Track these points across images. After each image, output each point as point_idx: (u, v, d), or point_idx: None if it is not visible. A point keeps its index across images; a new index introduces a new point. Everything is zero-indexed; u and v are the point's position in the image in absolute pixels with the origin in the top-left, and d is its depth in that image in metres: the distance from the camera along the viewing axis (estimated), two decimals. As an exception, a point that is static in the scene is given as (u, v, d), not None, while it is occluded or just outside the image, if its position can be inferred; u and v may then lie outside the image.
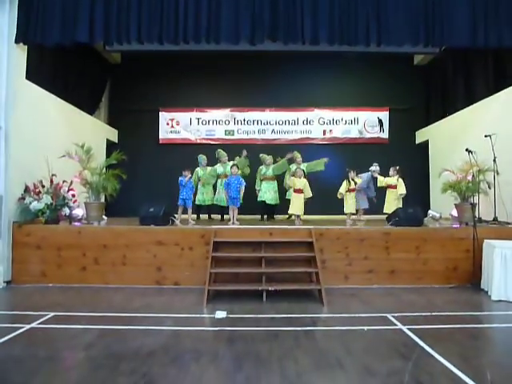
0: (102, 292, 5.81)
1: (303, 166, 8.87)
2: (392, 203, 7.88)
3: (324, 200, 9.13)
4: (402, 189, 7.91)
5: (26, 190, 6.60)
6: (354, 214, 8.27)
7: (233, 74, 11.11)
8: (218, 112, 11.51)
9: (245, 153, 8.96)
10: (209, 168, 9.22)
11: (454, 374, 3.13)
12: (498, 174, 7.09)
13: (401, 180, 7.98)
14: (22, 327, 4.20)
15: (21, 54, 6.80)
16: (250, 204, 8.90)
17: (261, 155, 9.20)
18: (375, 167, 8.34)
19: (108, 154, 9.38)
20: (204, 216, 9.37)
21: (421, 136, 11.38)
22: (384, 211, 8.03)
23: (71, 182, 7.14)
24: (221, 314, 4.67)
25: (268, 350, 3.62)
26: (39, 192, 6.64)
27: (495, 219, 7.02)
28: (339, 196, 8.10)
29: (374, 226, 6.82)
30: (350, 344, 3.80)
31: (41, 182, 6.75)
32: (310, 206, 8.26)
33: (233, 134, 11.50)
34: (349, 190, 8.08)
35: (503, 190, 7.04)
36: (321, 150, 10.80)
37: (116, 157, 7.59)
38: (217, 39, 6.55)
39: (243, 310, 4.94)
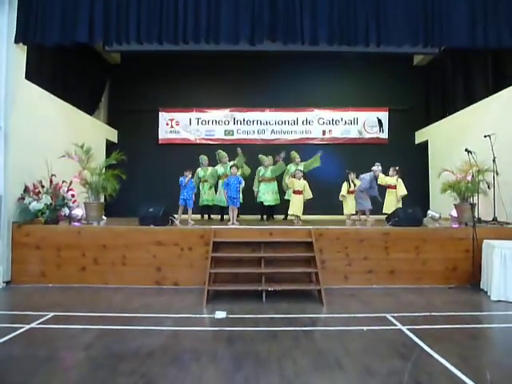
0: (102, 292, 5.81)
1: (301, 165, 8.87)
2: (391, 203, 7.88)
3: (324, 200, 9.14)
4: (402, 190, 7.89)
5: (26, 190, 6.60)
6: (353, 215, 8.28)
7: (232, 74, 11.11)
8: (218, 112, 11.51)
9: (239, 151, 8.97)
10: (210, 168, 9.23)
11: (453, 374, 3.13)
12: (497, 174, 7.10)
13: (400, 180, 7.98)
14: (22, 327, 4.20)
15: (20, 54, 6.80)
16: (250, 204, 8.92)
17: (260, 156, 9.19)
18: (377, 167, 8.33)
19: (107, 154, 9.39)
20: (198, 216, 9.36)
21: (420, 136, 11.38)
22: (383, 211, 8.03)
23: (71, 182, 7.14)
24: (220, 314, 4.67)
25: (267, 350, 3.62)
26: (39, 192, 6.64)
27: (494, 219, 7.02)
28: (341, 199, 8.11)
29: (373, 226, 6.82)
30: (349, 344, 3.80)
31: (40, 182, 6.74)
32: (309, 207, 8.27)
33: (232, 134, 11.50)
34: (349, 192, 8.09)
35: (503, 190, 7.05)
36: (320, 150, 10.80)
37: (115, 157, 7.59)
38: (216, 39, 6.55)
39: (243, 310, 4.94)
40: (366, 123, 11.47)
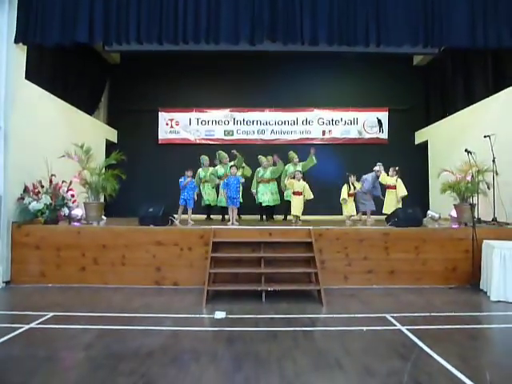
0: (102, 292, 5.81)
1: (299, 166, 8.87)
2: (391, 204, 7.87)
3: (323, 201, 9.14)
4: (402, 190, 7.87)
5: (26, 190, 6.60)
6: (353, 216, 8.27)
7: (232, 74, 11.11)
8: (218, 112, 11.51)
9: (235, 152, 8.97)
10: (211, 169, 9.23)
11: (452, 375, 3.13)
12: (497, 174, 7.10)
13: (400, 180, 7.97)
14: (21, 327, 4.20)
15: (20, 54, 6.79)
16: (250, 204, 8.92)
17: (259, 157, 9.19)
18: (379, 167, 8.32)
19: (107, 154, 9.40)
20: (203, 216, 9.36)
21: (420, 136, 11.38)
22: (383, 211, 8.02)
23: (70, 182, 7.14)
24: (220, 315, 4.67)
25: (267, 351, 3.62)
26: (38, 192, 6.64)
27: (494, 220, 7.02)
28: (342, 202, 8.11)
29: (373, 227, 6.82)
30: (349, 344, 3.80)
31: (40, 182, 6.74)
32: (309, 207, 8.27)
33: (232, 135, 11.50)
34: (349, 195, 8.09)
35: (502, 190, 7.05)
36: (320, 150, 10.80)
37: (115, 157, 7.59)
38: (216, 39, 6.55)
39: (242, 310, 4.94)
40: (366, 123, 11.47)
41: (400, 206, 7.72)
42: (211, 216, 9.47)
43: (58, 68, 8.74)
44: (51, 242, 6.28)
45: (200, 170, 9.23)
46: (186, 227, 6.86)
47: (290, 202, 8.26)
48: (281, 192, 9.07)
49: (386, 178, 8.15)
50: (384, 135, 11.43)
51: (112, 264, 6.22)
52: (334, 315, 4.77)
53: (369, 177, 8.34)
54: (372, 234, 6.36)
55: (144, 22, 6.49)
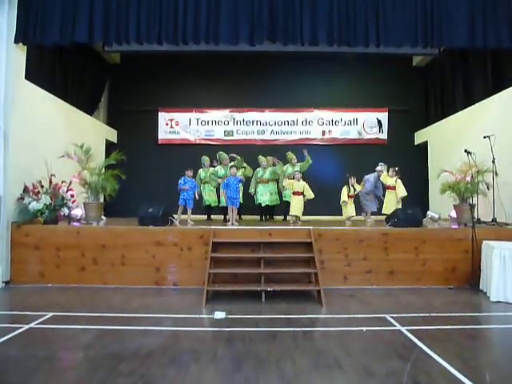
0: (101, 292, 5.81)
1: (297, 166, 8.87)
2: (391, 204, 7.87)
3: (323, 201, 9.13)
4: (402, 191, 7.87)
5: (25, 190, 6.60)
6: (352, 217, 8.27)
7: (232, 74, 11.12)
8: (218, 112, 11.51)
9: (234, 156, 8.98)
10: (211, 169, 9.23)
11: (452, 375, 3.13)
12: (496, 175, 7.10)
13: (399, 181, 7.97)
14: (21, 327, 4.19)
15: (20, 53, 6.79)
16: (250, 205, 8.92)
17: (258, 157, 9.18)
18: (381, 167, 8.31)
19: (107, 155, 9.40)
20: (203, 216, 9.36)
21: (420, 137, 11.39)
22: (383, 212, 8.03)
23: (70, 182, 7.13)
24: (220, 315, 4.66)
25: (267, 351, 3.62)
26: (38, 192, 6.63)
27: (494, 220, 7.02)
28: (343, 204, 8.11)
29: (372, 227, 6.82)
30: (348, 345, 3.80)
31: (40, 182, 6.74)
32: (309, 207, 8.27)
33: (232, 135, 11.50)
34: (349, 197, 8.09)
35: (502, 190, 7.05)
36: (320, 150, 10.83)
37: (115, 157, 7.59)
38: (216, 40, 6.56)
39: (242, 310, 4.94)
40: (366, 124, 11.48)
41: (400, 206, 7.72)
42: (212, 216, 9.47)
43: (58, 68, 8.76)
44: (51, 242, 6.28)
45: (200, 170, 9.22)
46: (186, 227, 6.85)
47: (289, 202, 8.27)
48: (280, 192, 9.07)
49: (387, 178, 8.15)
50: (384, 136, 11.44)
51: (111, 264, 6.21)
52: (334, 315, 4.77)
53: (371, 177, 8.34)
54: (372, 235, 6.36)
55: (144, 22, 6.49)
